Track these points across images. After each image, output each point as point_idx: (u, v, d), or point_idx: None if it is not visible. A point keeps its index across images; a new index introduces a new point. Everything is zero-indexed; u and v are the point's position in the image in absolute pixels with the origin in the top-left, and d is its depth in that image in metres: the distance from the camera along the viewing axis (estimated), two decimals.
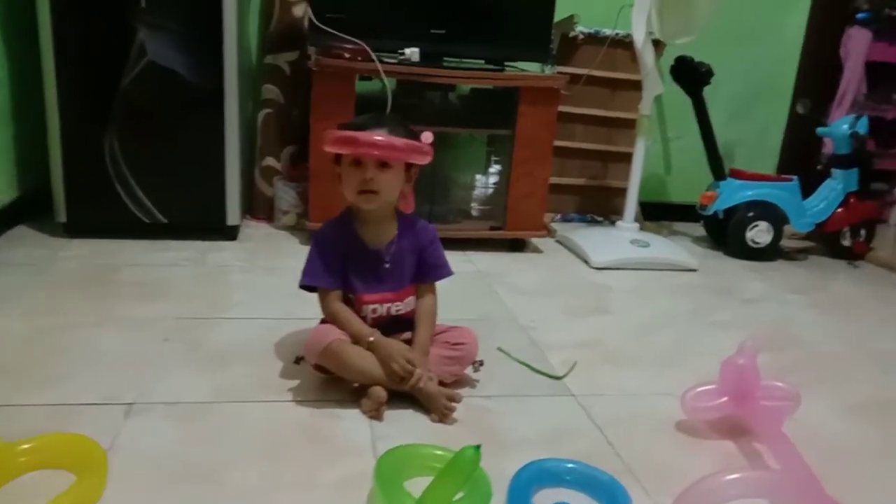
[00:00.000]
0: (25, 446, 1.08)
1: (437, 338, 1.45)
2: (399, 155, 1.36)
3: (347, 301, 1.43)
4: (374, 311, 1.43)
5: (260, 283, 1.99)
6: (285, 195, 2.55)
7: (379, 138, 1.33)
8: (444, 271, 1.49)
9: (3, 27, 2.15)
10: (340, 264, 1.41)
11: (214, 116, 2.20)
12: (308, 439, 1.23)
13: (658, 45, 2.50)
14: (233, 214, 2.30)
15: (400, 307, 1.45)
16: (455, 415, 1.32)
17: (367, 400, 1.32)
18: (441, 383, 1.38)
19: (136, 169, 2.19)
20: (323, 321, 1.47)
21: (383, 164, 1.36)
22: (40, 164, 2.21)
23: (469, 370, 1.48)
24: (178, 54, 2.12)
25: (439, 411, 1.31)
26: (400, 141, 1.35)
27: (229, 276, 2.04)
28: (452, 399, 1.33)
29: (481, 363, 1.49)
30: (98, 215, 2.23)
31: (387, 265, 1.42)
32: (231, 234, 2.34)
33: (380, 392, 1.31)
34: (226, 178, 2.26)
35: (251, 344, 1.58)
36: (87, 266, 2.01)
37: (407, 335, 1.45)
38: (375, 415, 1.30)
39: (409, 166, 1.42)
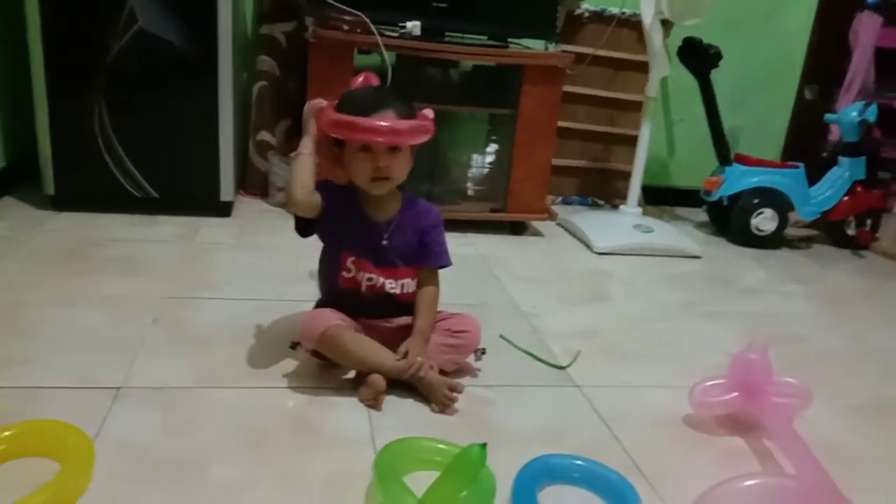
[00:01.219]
0: (5, 434, 1.02)
1: (437, 325, 1.39)
2: (407, 139, 1.30)
3: (336, 259, 1.36)
4: (369, 279, 1.36)
5: (251, 262, 1.93)
6: (280, 171, 2.48)
7: (384, 124, 1.26)
8: (444, 259, 1.42)
9: None
10: (336, 220, 1.35)
11: (208, 87, 2.12)
12: (301, 429, 1.18)
13: (666, 25, 2.43)
14: (226, 190, 2.23)
15: (394, 286, 1.37)
16: (456, 405, 1.27)
17: (365, 388, 1.27)
18: (442, 372, 1.33)
19: (126, 140, 2.12)
20: (318, 305, 1.41)
21: (393, 149, 1.30)
22: (28, 133, 2.13)
23: (471, 358, 1.43)
24: (170, 21, 2.04)
25: (440, 401, 1.26)
26: (405, 124, 1.28)
27: (220, 254, 1.97)
28: (454, 389, 1.28)
29: (483, 351, 1.44)
30: (87, 188, 2.16)
31: (384, 242, 1.36)
32: (224, 210, 2.27)
33: (378, 380, 1.26)
34: (219, 152, 2.19)
35: (241, 326, 1.52)
36: (70, 240, 1.93)
37: (403, 320, 1.40)
38: (374, 404, 1.25)
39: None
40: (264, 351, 1.43)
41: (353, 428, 1.20)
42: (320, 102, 1.31)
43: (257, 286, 1.75)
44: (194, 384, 1.28)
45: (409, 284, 1.40)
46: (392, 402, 1.28)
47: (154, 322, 1.50)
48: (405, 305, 1.40)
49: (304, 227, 1.36)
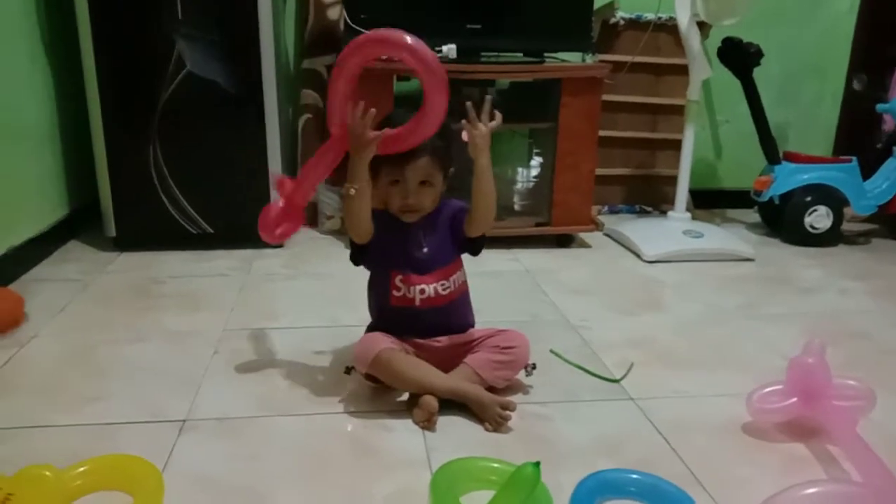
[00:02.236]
0: (80, 469, 1.08)
1: (486, 342, 1.41)
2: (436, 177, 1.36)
3: (386, 280, 1.39)
4: (422, 291, 1.38)
5: (305, 290, 1.98)
6: (328, 200, 2.54)
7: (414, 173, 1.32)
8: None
9: (46, 46, 2.18)
10: (380, 242, 1.38)
11: (255, 124, 2.20)
12: (359, 453, 1.21)
13: (703, 26, 2.41)
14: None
15: (447, 285, 1.39)
16: (510, 423, 1.29)
17: (418, 410, 1.29)
18: (492, 389, 1.35)
19: (180, 180, 2.21)
20: (369, 329, 1.44)
21: (423, 182, 1.34)
22: (89, 180, 2.24)
23: (521, 374, 1.44)
24: (216, 64, 2.12)
25: (493, 420, 1.28)
26: (427, 168, 1.33)
27: (275, 284, 2.03)
28: (506, 407, 1.29)
29: (534, 366, 1.44)
30: (146, 228, 2.25)
31: (425, 250, 1.38)
32: None
33: (431, 402, 1.28)
34: (269, 186, 2.26)
35: (298, 353, 1.56)
36: (134, 279, 2.03)
37: (453, 339, 1.41)
38: (427, 425, 1.27)
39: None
40: (322, 377, 1.47)
41: (409, 449, 1.22)
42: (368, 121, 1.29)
43: (312, 313, 1.79)
44: (255, 413, 1.33)
45: (458, 277, 1.42)
46: (446, 422, 1.30)
47: (215, 354, 1.56)
48: (457, 313, 1.43)
49: (359, 255, 1.40)
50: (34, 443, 1.22)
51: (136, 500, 1.04)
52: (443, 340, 1.42)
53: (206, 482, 1.12)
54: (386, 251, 1.38)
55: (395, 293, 1.39)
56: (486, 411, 1.28)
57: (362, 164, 1.29)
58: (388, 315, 1.42)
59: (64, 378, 1.45)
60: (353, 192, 1.29)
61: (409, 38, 1.32)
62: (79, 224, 2.37)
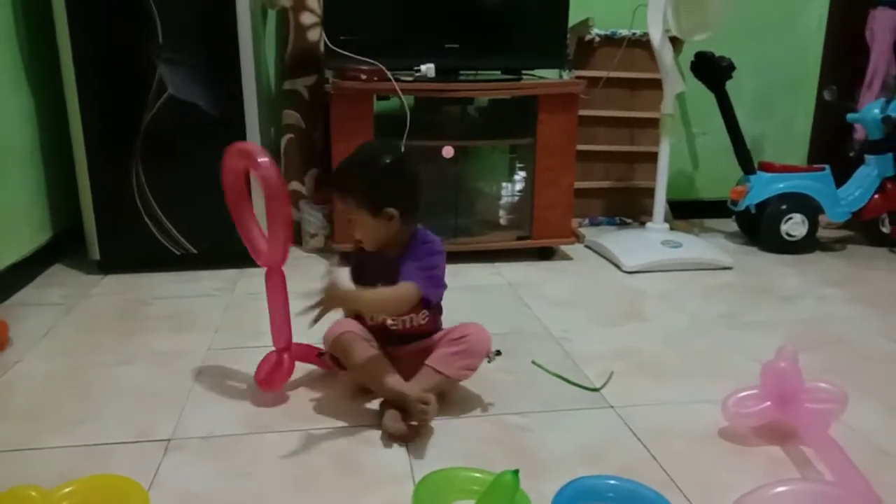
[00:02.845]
0: (66, 490, 1.09)
1: (443, 337, 1.42)
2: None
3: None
4: (370, 318, 1.43)
5: (290, 309, 1.99)
6: (312, 218, 2.56)
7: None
8: (416, 278, 1.34)
9: (27, 71, 2.20)
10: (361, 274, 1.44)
11: None
12: (344, 468, 1.23)
13: (676, 42, 2.47)
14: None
15: (394, 323, 1.43)
16: (491, 433, 1.31)
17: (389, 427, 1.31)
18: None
19: (164, 202, 2.22)
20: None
21: (349, 220, 1.38)
22: (71, 203, 2.25)
23: (485, 364, 1.43)
24: (198, 87, 2.15)
25: (416, 415, 1.29)
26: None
27: (260, 304, 2.01)
28: (424, 401, 1.28)
29: (497, 353, 1.44)
30: (130, 250, 2.26)
31: (379, 285, 1.37)
32: None
33: (393, 424, 1.31)
34: (252, 205, 2.27)
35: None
36: (117, 302, 2.03)
37: (413, 346, 1.44)
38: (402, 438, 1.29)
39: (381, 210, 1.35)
40: (306, 393, 1.48)
41: (393, 463, 1.24)
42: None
43: (296, 332, 1.80)
44: (240, 431, 1.34)
45: (414, 318, 1.42)
46: (429, 435, 1.32)
47: (200, 374, 1.57)
48: (416, 337, 1.45)
49: None
50: (21, 465, 1.22)
51: None
52: (408, 348, 1.44)
53: (191, 500, 1.13)
54: (364, 281, 1.42)
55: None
56: (410, 407, 1.30)
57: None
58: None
59: (50, 401, 1.45)
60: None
61: (264, 158, 1.35)
62: (62, 247, 2.38)
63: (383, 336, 1.44)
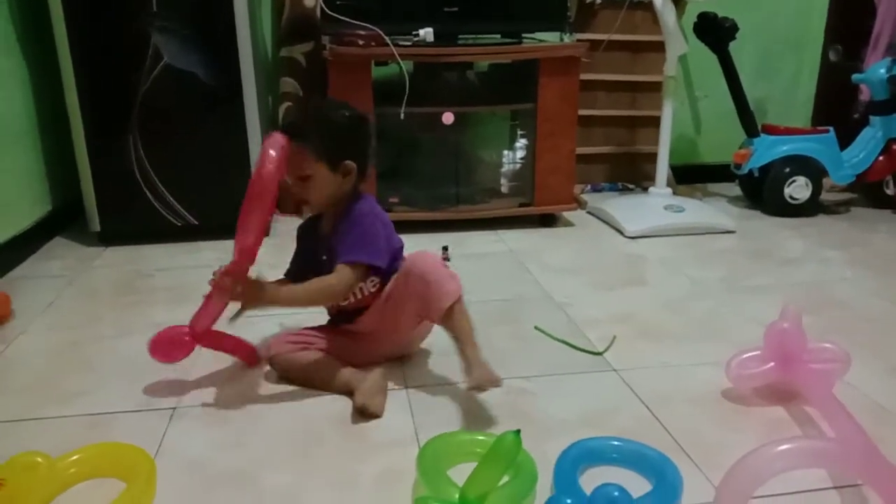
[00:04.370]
0: (73, 458, 1.09)
1: (393, 295, 1.37)
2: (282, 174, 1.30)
3: None
4: (343, 302, 1.41)
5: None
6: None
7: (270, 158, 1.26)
8: (349, 254, 1.32)
9: (21, 44, 2.17)
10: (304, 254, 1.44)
11: (235, 114, 2.20)
12: (348, 434, 1.23)
13: (679, 3, 2.42)
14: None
15: (366, 287, 1.38)
16: (495, 398, 1.31)
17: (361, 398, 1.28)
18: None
19: (162, 173, 2.21)
20: None
21: (301, 177, 1.33)
22: (71, 176, 2.24)
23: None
24: (193, 55, 2.12)
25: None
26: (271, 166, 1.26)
27: (260, 273, 2.03)
28: (491, 382, 1.25)
29: (444, 248, 1.42)
30: (130, 222, 2.26)
31: (324, 258, 1.37)
32: None
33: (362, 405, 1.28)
34: (252, 175, 2.26)
35: None
36: (118, 274, 2.03)
37: (359, 324, 1.43)
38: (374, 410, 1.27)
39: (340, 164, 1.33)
40: None
41: (396, 428, 1.24)
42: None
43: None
44: (244, 399, 1.34)
45: (362, 288, 1.38)
46: (432, 400, 1.33)
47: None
48: (371, 314, 1.41)
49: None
50: (27, 435, 1.23)
51: (129, 486, 1.05)
52: (357, 323, 1.42)
53: (197, 466, 1.14)
54: (305, 259, 1.43)
55: None
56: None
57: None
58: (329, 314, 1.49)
59: (54, 372, 1.46)
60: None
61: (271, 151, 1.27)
62: (63, 220, 2.37)
63: (339, 315, 1.43)
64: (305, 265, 1.43)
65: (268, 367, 1.45)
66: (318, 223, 1.44)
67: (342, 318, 1.44)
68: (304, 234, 1.48)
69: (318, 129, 1.32)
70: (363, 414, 1.26)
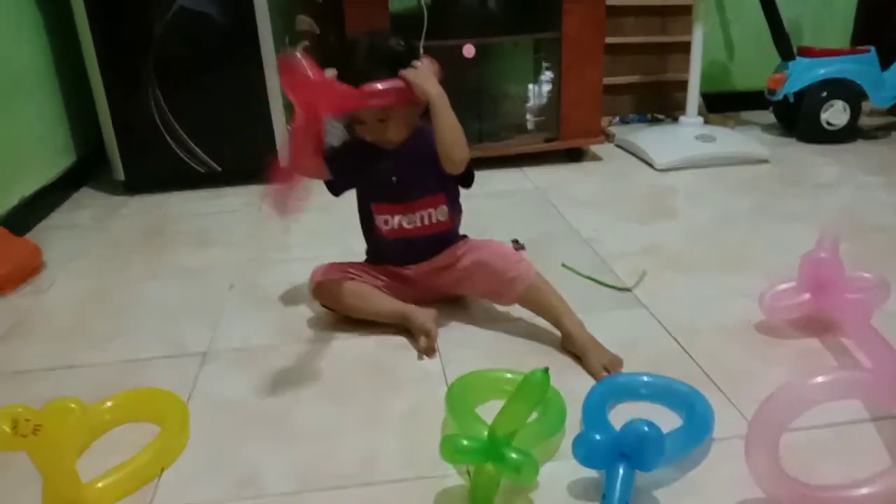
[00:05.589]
0: (108, 404, 1.12)
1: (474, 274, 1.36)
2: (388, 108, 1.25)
3: (368, 212, 1.39)
4: (385, 222, 1.37)
5: (316, 222, 1.96)
6: (332, 128, 2.51)
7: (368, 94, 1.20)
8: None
9: None
10: (354, 174, 1.36)
11: (252, 55, 2.16)
12: (378, 372, 1.24)
13: None
14: (284, 154, 2.28)
15: (413, 219, 1.35)
16: (525, 335, 1.31)
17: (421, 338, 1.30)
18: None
19: (183, 119, 2.19)
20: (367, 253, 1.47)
21: (381, 119, 1.27)
22: (93, 125, 2.23)
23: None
24: None
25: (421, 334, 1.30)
26: (379, 95, 1.21)
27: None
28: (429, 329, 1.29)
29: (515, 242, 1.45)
30: (154, 170, 2.26)
31: (393, 178, 1.34)
32: None
33: (423, 323, 1.30)
34: (272, 118, 2.24)
35: None
36: (146, 221, 2.05)
37: (426, 265, 1.40)
38: (429, 351, 1.28)
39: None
40: None
41: (425, 365, 1.25)
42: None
43: (323, 244, 1.80)
44: (273, 341, 1.35)
45: (432, 214, 1.36)
46: (461, 337, 1.33)
47: (231, 288, 1.58)
48: (430, 249, 1.39)
49: (332, 188, 1.39)
50: (61, 383, 1.26)
51: (163, 429, 1.08)
52: (414, 269, 1.40)
53: (228, 408, 1.15)
54: (361, 181, 1.37)
55: (377, 225, 1.39)
56: (412, 326, 1.32)
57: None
58: (369, 241, 1.44)
59: (86, 320, 1.48)
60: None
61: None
62: (88, 170, 2.38)
63: (395, 251, 1.40)
64: (368, 193, 1.38)
65: (303, 303, 1.45)
66: (366, 148, 1.34)
67: (396, 252, 1.40)
68: (362, 155, 1.35)
69: (387, 64, 1.25)
70: (427, 336, 1.28)
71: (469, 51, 2.16)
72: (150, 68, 2.12)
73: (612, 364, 1.19)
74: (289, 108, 1.22)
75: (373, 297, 1.37)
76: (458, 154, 1.27)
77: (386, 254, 1.42)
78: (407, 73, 1.23)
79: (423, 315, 1.32)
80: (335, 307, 1.39)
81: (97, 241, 1.91)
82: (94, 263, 1.77)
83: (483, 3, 2.42)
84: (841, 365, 1.18)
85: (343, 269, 1.39)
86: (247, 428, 1.11)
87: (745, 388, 1.12)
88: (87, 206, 2.19)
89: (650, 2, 2.73)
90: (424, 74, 1.24)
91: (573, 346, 1.25)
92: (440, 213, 1.37)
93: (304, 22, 2.51)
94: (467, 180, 1.35)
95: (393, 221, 1.37)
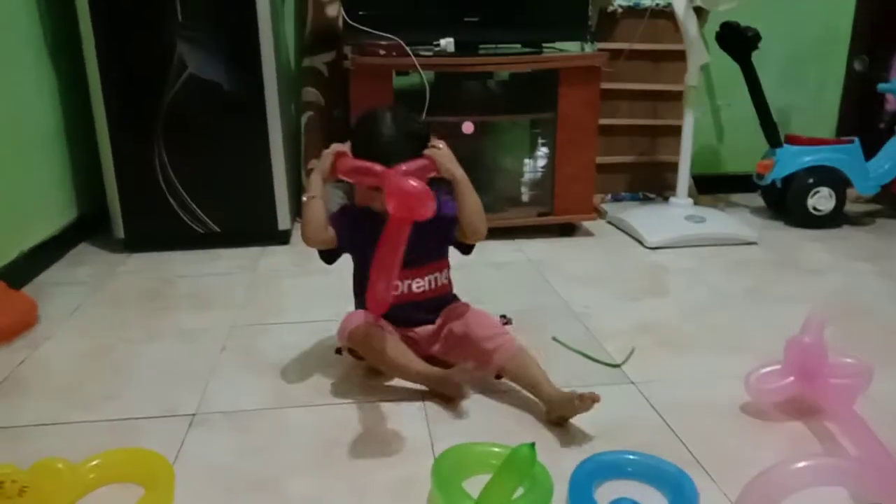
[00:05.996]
0: (94, 462, 1.11)
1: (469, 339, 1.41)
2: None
3: (365, 279, 1.34)
4: (395, 287, 1.37)
5: (312, 285, 2.01)
6: (333, 195, 2.56)
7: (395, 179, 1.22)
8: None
9: (50, 53, 2.22)
10: (358, 242, 1.40)
11: (258, 123, 2.23)
12: (366, 442, 1.24)
13: (701, 12, 2.41)
14: (283, 219, 2.33)
15: (421, 284, 1.43)
16: (513, 409, 1.31)
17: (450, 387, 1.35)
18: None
19: (186, 181, 2.24)
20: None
21: None
22: (96, 183, 2.28)
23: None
24: (218, 65, 2.15)
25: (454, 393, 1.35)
26: (412, 183, 1.21)
27: (282, 281, 2.06)
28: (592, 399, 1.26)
29: (503, 317, 1.52)
30: (154, 229, 2.29)
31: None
32: (283, 238, 2.37)
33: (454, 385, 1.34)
34: (274, 184, 2.29)
35: (304, 347, 1.60)
36: (143, 280, 2.06)
37: (429, 328, 1.46)
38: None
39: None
40: (328, 369, 1.50)
41: (413, 437, 1.25)
42: (337, 147, 1.34)
43: (319, 308, 1.82)
44: (263, 406, 1.36)
45: (438, 278, 1.45)
46: (448, 410, 1.33)
47: (224, 350, 1.59)
48: (436, 311, 1.46)
49: (328, 257, 1.44)
50: (50, 440, 1.25)
51: (147, 491, 1.07)
52: (418, 331, 1.46)
53: (215, 473, 1.15)
54: (363, 248, 1.39)
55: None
56: (442, 388, 1.35)
57: (318, 180, 1.34)
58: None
59: (78, 377, 1.48)
60: (305, 199, 1.35)
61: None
62: (88, 227, 2.41)
63: (398, 314, 1.42)
64: (365, 251, 1.35)
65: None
66: (374, 218, 1.35)
67: (405, 315, 1.44)
68: (362, 222, 1.39)
69: (410, 141, 1.33)
70: (459, 390, 1.34)
71: (468, 128, 2.23)
72: (159, 131, 2.18)
73: (584, 397, 1.22)
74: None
75: (409, 354, 1.39)
76: (481, 227, 1.39)
77: (395, 317, 1.43)
78: (433, 153, 1.31)
79: (458, 373, 1.34)
80: (369, 355, 1.40)
81: (94, 298, 1.93)
82: (90, 321, 1.78)
83: (483, 83, 2.51)
84: (826, 451, 1.19)
85: (378, 321, 1.41)
86: (232, 493, 1.10)
87: (731, 471, 1.13)
88: (85, 262, 2.22)
89: (643, 87, 2.84)
90: (449, 155, 1.33)
91: (552, 405, 1.27)
92: (444, 277, 1.46)
93: (310, 94, 2.59)
94: (471, 248, 1.44)
95: (403, 286, 1.41)
